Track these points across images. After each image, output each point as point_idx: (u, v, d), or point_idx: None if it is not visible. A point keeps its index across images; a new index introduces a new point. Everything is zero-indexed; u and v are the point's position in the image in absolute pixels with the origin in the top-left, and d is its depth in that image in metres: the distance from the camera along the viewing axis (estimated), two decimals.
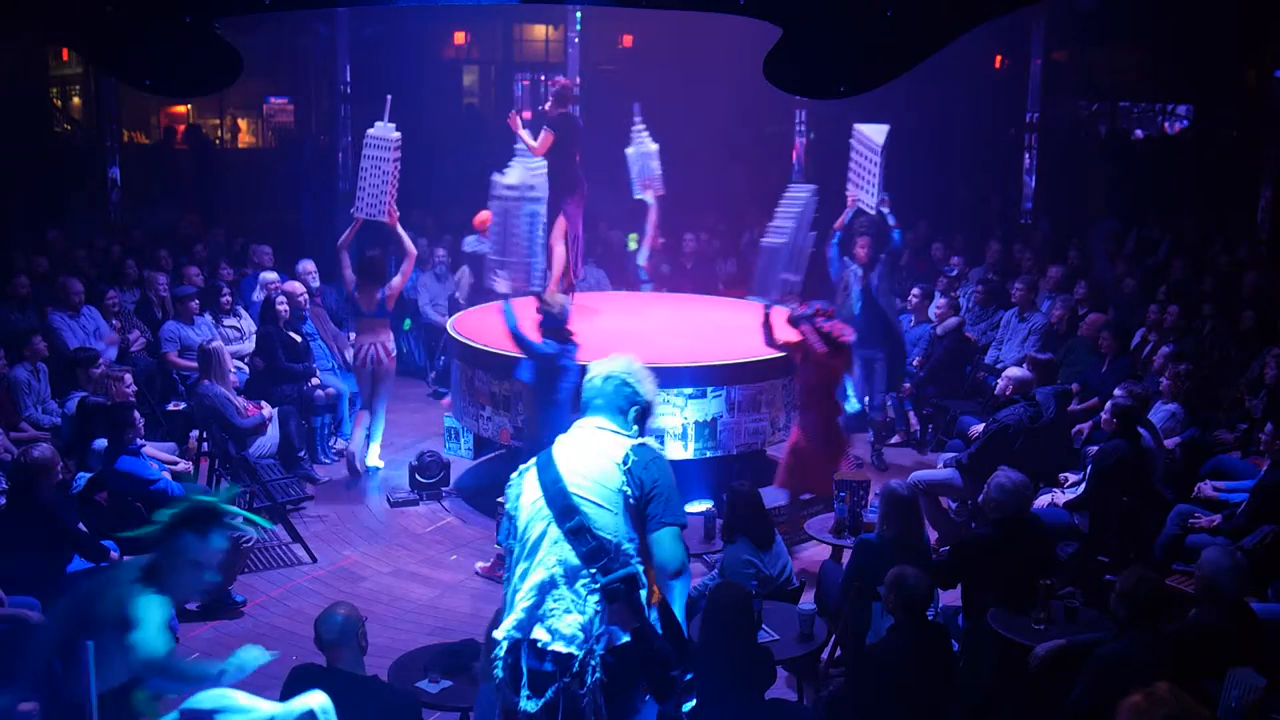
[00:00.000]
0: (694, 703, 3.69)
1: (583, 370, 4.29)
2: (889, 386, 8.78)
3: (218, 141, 18.11)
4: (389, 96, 8.04)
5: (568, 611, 3.44)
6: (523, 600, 3.48)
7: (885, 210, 8.44)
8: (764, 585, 5.46)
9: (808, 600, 5.63)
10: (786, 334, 7.15)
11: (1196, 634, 4.47)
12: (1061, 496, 6.74)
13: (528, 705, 3.42)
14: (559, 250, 8.25)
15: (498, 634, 3.54)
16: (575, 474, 3.52)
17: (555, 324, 6.54)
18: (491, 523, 7.42)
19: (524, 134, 7.95)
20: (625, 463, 3.51)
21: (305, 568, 7.05)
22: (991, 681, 5.06)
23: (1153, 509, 6.43)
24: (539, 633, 3.45)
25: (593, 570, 3.44)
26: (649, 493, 3.49)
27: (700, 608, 4.69)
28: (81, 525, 5.93)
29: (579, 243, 8.55)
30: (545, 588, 3.46)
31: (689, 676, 3.52)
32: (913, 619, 4.56)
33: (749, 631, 4.48)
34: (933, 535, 6.66)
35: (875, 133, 8.30)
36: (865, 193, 8.40)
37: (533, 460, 3.67)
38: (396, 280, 8.26)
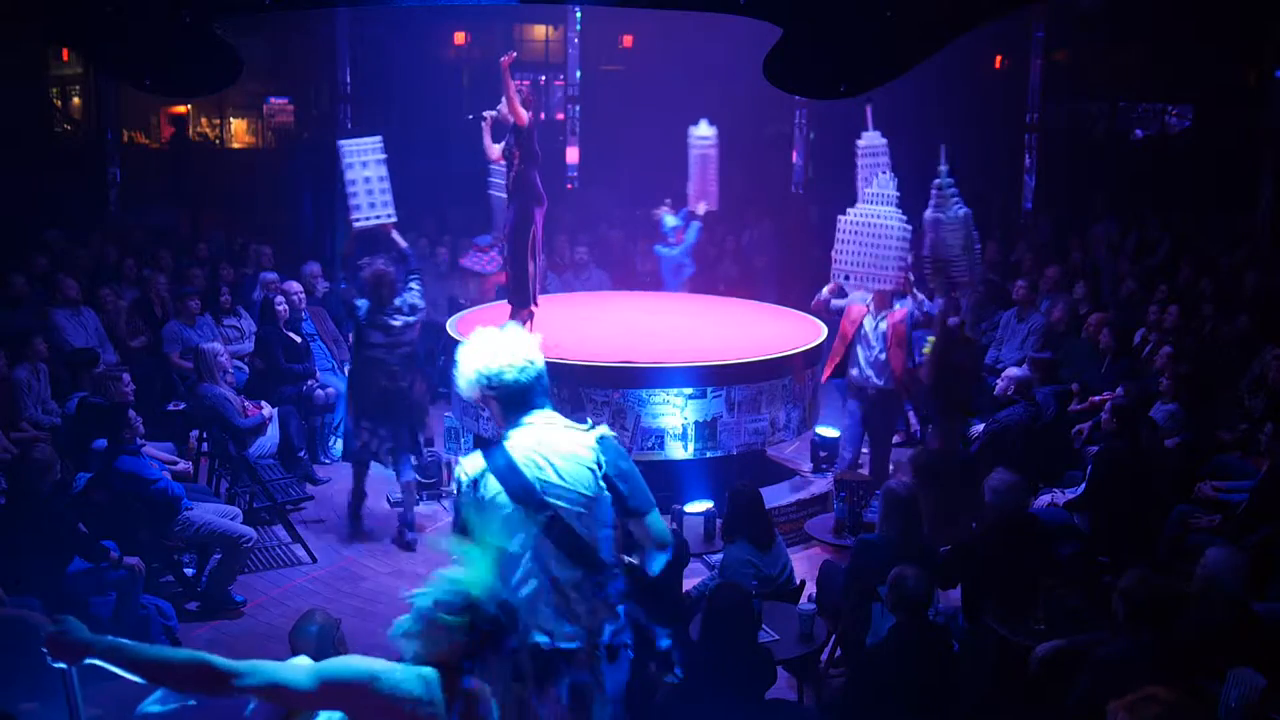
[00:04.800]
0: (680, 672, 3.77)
1: None
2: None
3: (217, 142, 18.13)
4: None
5: (561, 611, 3.47)
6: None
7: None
8: (764, 585, 5.46)
9: (807, 600, 5.64)
10: None
11: (1196, 634, 4.46)
12: (1061, 496, 6.74)
13: (533, 699, 3.46)
14: (531, 266, 7.69)
15: None
16: (550, 480, 3.49)
17: None
18: None
19: (489, 140, 7.68)
20: (599, 465, 3.53)
21: (305, 568, 7.05)
22: (991, 681, 5.06)
23: (1153, 509, 6.43)
24: (537, 636, 3.46)
25: (580, 571, 3.49)
26: (624, 487, 3.55)
27: (700, 608, 4.69)
28: (81, 525, 5.93)
29: (541, 255, 8.04)
30: (534, 595, 3.46)
31: (670, 644, 3.66)
32: (913, 619, 4.56)
33: (749, 631, 4.48)
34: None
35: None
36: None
37: (480, 459, 3.53)
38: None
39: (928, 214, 7.03)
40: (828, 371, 7.83)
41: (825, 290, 7.69)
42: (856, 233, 7.28)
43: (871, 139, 7.72)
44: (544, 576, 3.47)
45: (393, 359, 7.29)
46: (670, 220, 10.16)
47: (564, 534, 3.46)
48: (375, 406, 7.35)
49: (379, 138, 7.71)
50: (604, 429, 3.64)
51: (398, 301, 7.29)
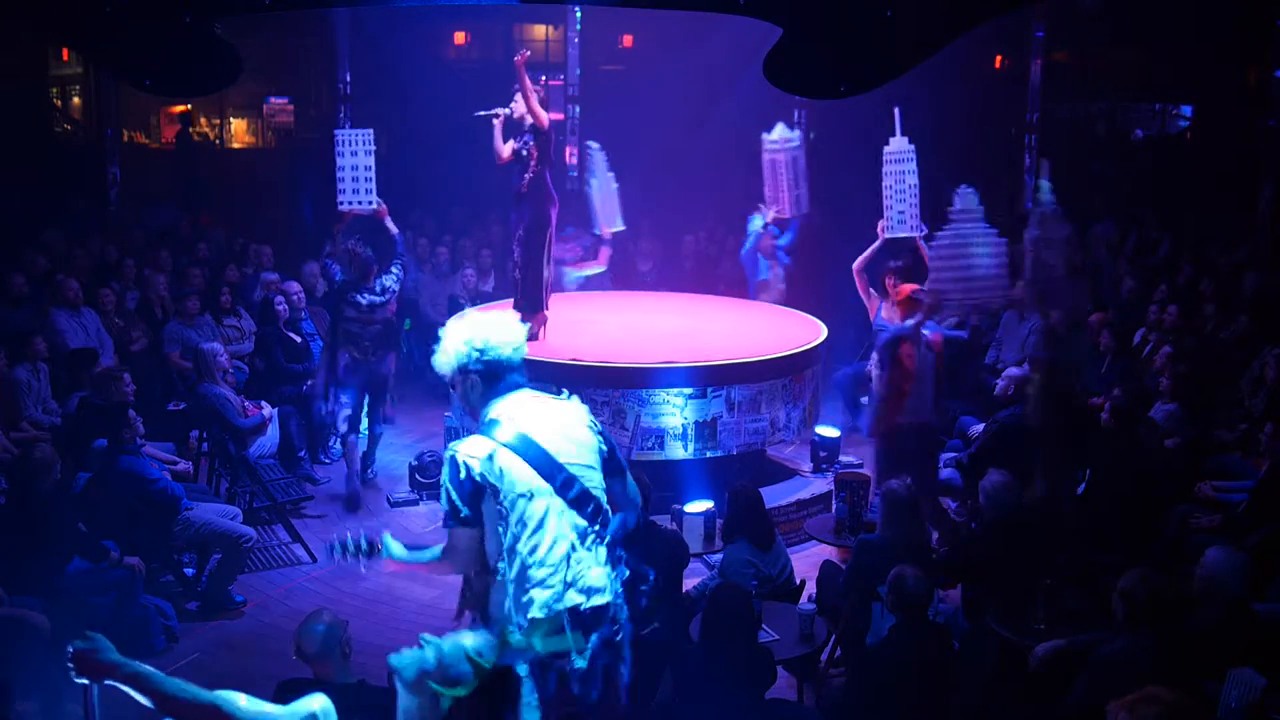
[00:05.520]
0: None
1: None
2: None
3: (217, 142, 18.13)
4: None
5: (590, 568, 3.57)
6: (551, 576, 3.53)
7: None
8: (764, 585, 5.46)
9: (807, 600, 5.64)
10: None
11: (1196, 634, 4.46)
12: None
13: (581, 663, 3.55)
14: (546, 271, 7.74)
15: (533, 612, 3.50)
16: (560, 444, 3.60)
17: None
18: None
19: (499, 138, 7.59)
20: (595, 424, 3.72)
21: (305, 568, 7.05)
22: (991, 681, 5.06)
23: (1153, 509, 6.43)
24: (576, 598, 3.54)
25: (596, 527, 3.60)
26: (610, 445, 3.75)
27: (700, 608, 4.70)
28: (81, 525, 5.93)
29: (554, 258, 8.13)
30: (567, 557, 3.55)
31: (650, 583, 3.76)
32: (913, 619, 4.56)
33: (749, 631, 4.48)
34: (933, 535, 6.65)
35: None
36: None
37: (485, 439, 3.58)
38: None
39: (1029, 233, 6.55)
40: (891, 421, 6.91)
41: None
42: (954, 255, 6.79)
43: (898, 145, 7.44)
44: (570, 537, 3.56)
45: (366, 334, 7.96)
46: (755, 223, 9.77)
47: (579, 493, 3.57)
48: (343, 376, 8.02)
49: (371, 131, 8.16)
50: (576, 399, 3.78)
51: (375, 282, 7.92)
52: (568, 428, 3.65)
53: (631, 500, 3.80)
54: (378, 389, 8.14)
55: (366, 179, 8.08)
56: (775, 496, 7.45)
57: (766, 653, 4.70)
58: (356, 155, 8.07)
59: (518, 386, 3.70)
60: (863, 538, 5.78)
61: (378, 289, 7.92)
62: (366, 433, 8.49)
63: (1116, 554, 6.20)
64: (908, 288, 7.06)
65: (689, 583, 5.81)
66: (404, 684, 2.81)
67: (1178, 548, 6.19)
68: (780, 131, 9.26)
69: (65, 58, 16.13)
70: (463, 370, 3.67)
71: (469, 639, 2.74)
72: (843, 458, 8.44)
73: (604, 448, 3.70)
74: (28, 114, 14.14)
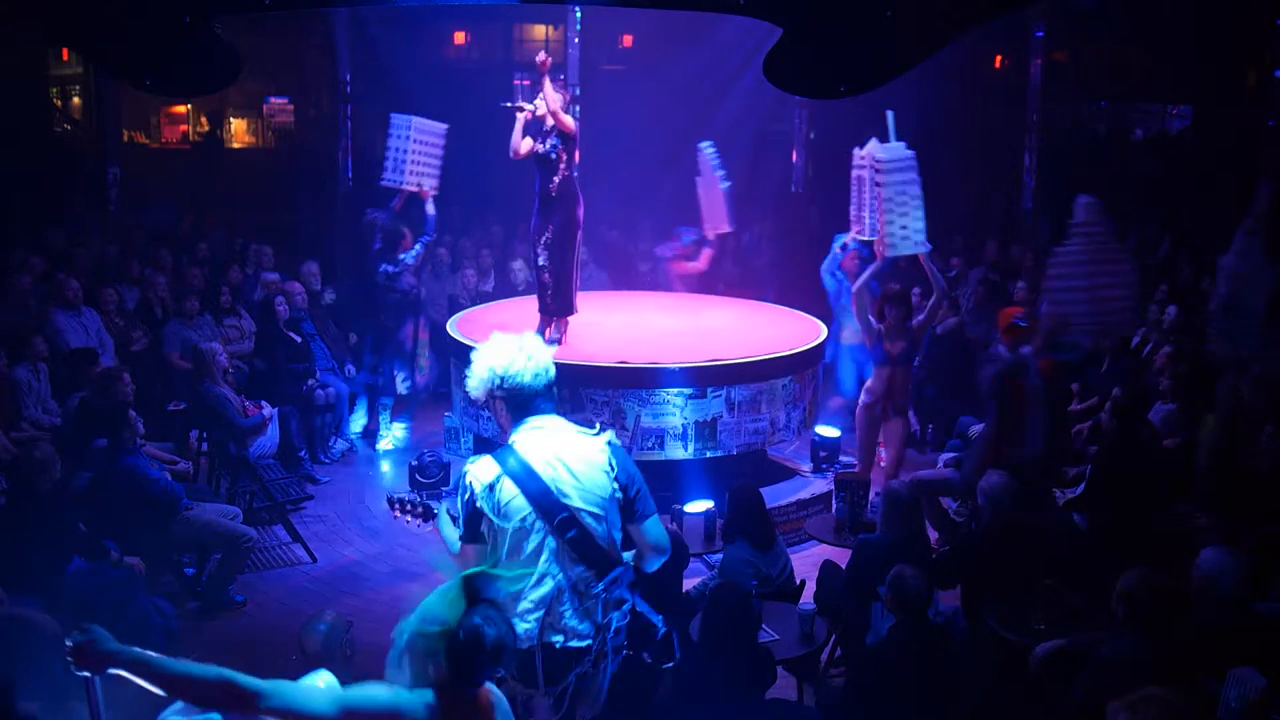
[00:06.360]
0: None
1: None
2: None
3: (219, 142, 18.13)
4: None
5: (576, 611, 3.56)
6: (530, 611, 3.55)
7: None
8: (764, 585, 5.46)
9: (807, 600, 5.63)
10: None
11: (1196, 634, 4.46)
12: (1061, 496, 6.73)
13: (546, 699, 3.57)
14: (576, 273, 7.69)
15: None
16: (566, 484, 3.55)
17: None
18: None
19: (521, 122, 7.43)
20: (612, 469, 3.61)
21: (305, 568, 7.05)
22: (991, 681, 5.06)
23: (1153, 509, 6.42)
24: (552, 635, 3.56)
25: (593, 571, 3.57)
26: (631, 491, 3.65)
27: (700, 608, 4.70)
28: (81, 525, 5.93)
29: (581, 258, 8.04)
30: (551, 597, 3.55)
31: (672, 632, 3.72)
32: (912, 619, 4.56)
33: (749, 631, 4.48)
34: (933, 535, 6.64)
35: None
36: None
37: (494, 463, 3.58)
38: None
39: (1227, 261, 5.98)
40: (993, 464, 6.10)
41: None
42: (1078, 272, 6.08)
43: (895, 152, 6.75)
44: (560, 577, 3.55)
45: (389, 300, 8.65)
46: (838, 241, 9.10)
47: (579, 535, 3.53)
48: (372, 338, 8.96)
49: (413, 118, 8.64)
50: (610, 434, 3.71)
51: (399, 256, 8.54)
52: (582, 469, 3.58)
53: (651, 546, 3.71)
54: (395, 354, 8.84)
55: (405, 162, 8.61)
56: (775, 496, 7.45)
57: (766, 653, 4.70)
58: (402, 139, 8.58)
59: (545, 412, 3.66)
60: (863, 538, 5.78)
61: (398, 261, 8.54)
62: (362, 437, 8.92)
63: (1116, 554, 6.20)
64: (1009, 313, 6.52)
65: (689, 583, 5.81)
66: (405, 653, 2.93)
67: (1178, 548, 6.19)
68: (871, 147, 7.90)
69: (65, 58, 16.14)
70: (490, 395, 3.69)
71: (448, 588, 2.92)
72: (843, 458, 8.45)
73: (619, 494, 3.62)
74: (28, 114, 14.13)
